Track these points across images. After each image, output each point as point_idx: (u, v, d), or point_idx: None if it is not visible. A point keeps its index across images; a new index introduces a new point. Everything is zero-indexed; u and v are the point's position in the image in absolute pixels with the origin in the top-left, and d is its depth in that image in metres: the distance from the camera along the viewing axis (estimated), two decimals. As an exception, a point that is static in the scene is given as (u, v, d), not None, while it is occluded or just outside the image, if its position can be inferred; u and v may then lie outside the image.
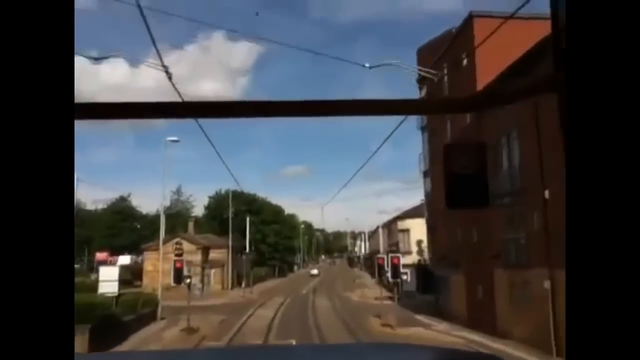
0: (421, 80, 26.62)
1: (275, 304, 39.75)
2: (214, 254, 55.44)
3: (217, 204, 76.60)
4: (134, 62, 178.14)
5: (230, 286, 55.48)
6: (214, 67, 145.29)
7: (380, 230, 66.87)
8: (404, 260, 44.33)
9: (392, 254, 32.27)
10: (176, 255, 56.07)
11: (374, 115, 1.44)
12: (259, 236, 77.99)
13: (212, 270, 54.11)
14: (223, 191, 78.89)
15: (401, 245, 43.60)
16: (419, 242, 42.09)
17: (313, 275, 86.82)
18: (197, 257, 53.27)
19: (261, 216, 79.30)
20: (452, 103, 1.52)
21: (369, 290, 51.16)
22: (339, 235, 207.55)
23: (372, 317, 29.63)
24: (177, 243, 52.99)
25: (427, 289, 38.31)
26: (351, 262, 50.88)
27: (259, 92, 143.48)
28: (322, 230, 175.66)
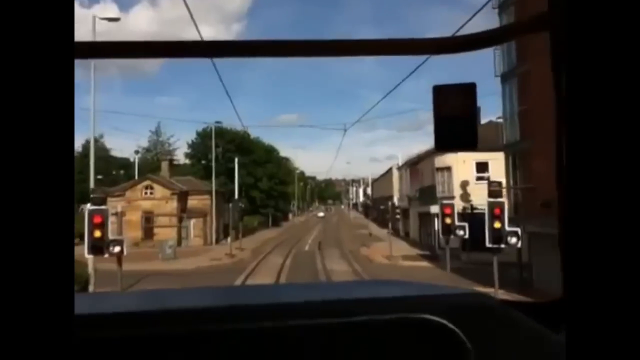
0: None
1: (273, 267, 29.40)
2: (194, 201, 44.65)
3: (203, 142, 65.23)
4: (123, 5, 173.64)
5: (214, 240, 44.97)
6: (208, 11, 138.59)
7: (396, 171, 56.20)
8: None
9: (445, 201, 21.43)
10: (145, 200, 45.44)
11: (363, 55, 1.39)
12: (249, 180, 67.22)
13: (192, 221, 43.46)
14: (210, 129, 67.52)
15: (439, 188, 33.02)
16: (464, 185, 31.51)
17: (320, 217, 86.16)
18: (173, 205, 42.46)
19: (252, 156, 68.21)
20: (442, 43, 1.37)
21: (387, 245, 40.98)
22: (330, 183, 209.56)
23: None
24: (146, 187, 41.92)
25: (476, 246, 27.33)
26: (366, 209, 41.04)
27: (253, 37, 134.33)
28: (313, 178, 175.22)
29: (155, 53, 1.37)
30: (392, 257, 31.42)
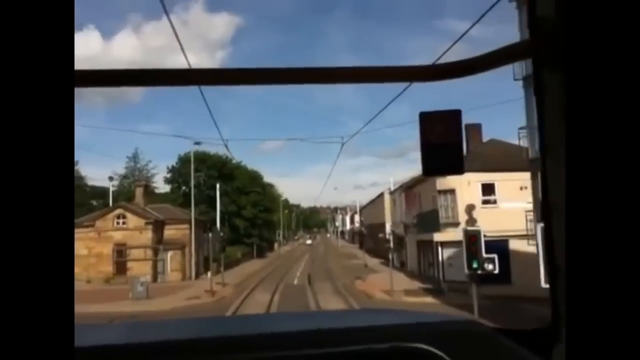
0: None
1: (259, 305, 25.76)
2: (172, 231, 40.84)
3: (183, 168, 61.55)
4: (107, 34, 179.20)
5: (194, 275, 41.05)
6: (192, 39, 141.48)
7: (387, 197, 53.04)
8: (445, 236, 30.71)
9: (470, 228, 18.12)
10: (117, 231, 41.37)
11: (346, 82, 1.44)
12: (232, 208, 63.56)
13: (169, 253, 39.57)
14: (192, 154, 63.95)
15: (442, 213, 29.81)
16: (470, 209, 28.39)
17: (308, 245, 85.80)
18: (147, 235, 38.63)
19: (235, 183, 64.66)
20: (424, 71, 1.41)
21: (384, 277, 37.50)
22: (315, 211, 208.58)
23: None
24: (118, 216, 38.10)
25: (488, 278, 24.01)
26: (360, 237, 37.58)
27: (238, 65, 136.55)
28: (297, 206, 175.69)
29: (141, 81, 1.38)
30: (392, 292, 27.95)
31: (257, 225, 68.49)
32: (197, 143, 42.63)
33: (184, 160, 60.09)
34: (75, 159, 69.67)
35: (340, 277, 39.37)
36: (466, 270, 16.43)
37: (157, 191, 70.89)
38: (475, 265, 15.74)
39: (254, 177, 70.46)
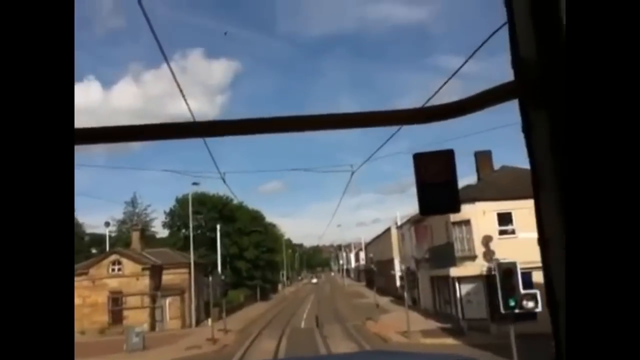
0: None
1: (265, 353, 23.60)
2: (170, 276, 38.79)
3: (182, 210, 59.74)
4: (107, 83, 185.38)
5: (194, 322, 38.75)
6: (191, 85, 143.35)
7: (395, 231, 51.09)
8: (463, 270, 28.70)
9: (505, 261, 16.03)
10: (112, 278, 39.13)
11: (341, 128, 1.50)
12: (234, 250, 61.48)
13: (168, 300, 37.42)
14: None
15: (458, 246, 27.88)
16: (487, 240, 26.52)
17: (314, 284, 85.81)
18: (144, 282, 36.58)
19: (236, 224, 62.75)
20: (415, 114, 1.48)
21: (397, 317, 35.28)
22: (317, 250, 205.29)
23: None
24: (113, 262, 36.15)
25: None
26: (369, 275, 34.71)
27: (238, 108, 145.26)
28: (300, 245, 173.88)
29: (141, 136, 1.41)
30: (409, 333, 25.78)
31: (259, 266, 66.24)
32: (195, 183, 40.84)
33: (182, 202, 58.18)
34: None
35: (349, 317, 37.09)
36: (502, 310, 14.33)
37: (157, 236, 69.04)
38: (512, 303, 13.71)
39: (256, 217, 68.55)
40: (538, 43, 1.15)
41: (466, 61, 6.59)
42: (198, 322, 38.36)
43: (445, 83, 7.23)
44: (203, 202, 60.69)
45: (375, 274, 52.54)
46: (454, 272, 27.67)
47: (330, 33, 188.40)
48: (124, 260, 36.36)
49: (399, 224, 49.29)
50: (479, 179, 31.12)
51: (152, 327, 36.21)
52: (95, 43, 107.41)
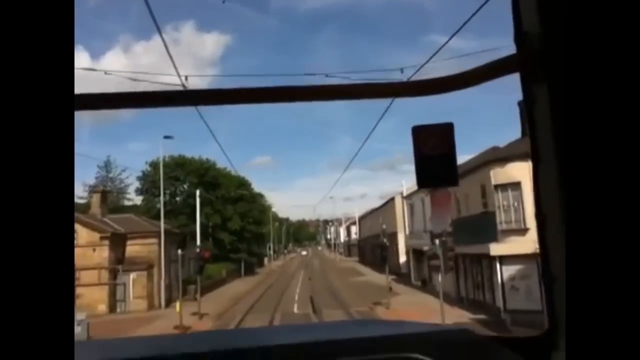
0: None
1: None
2: (136, 247, 32.19)
3: (157, 175, 52.86)
4: (96, 54, 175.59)
5: (163, 302, 32.34)
6: (182, 57, 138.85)
7: (400, 201, 44.83)
8: (507, 248, 22.54)
9: None
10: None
11: (333, 99, 1.48)
12: (217, 220, 54.98)
13: (131, 276, 30.89)
14: (168, 159, 55.25)
15: (501, 217, 21.61)
16: (542, 209, 20.35)
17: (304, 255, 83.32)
18: (103, 254, 29.98)
19: (220, 191, 56.12)
20: (410, 87, 1.48)
21: (413, 300, 29.24)
22: (304, 224, 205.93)
23: None
24: (64, 229, 29.15)
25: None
26: (384, 253, 29.70)
27: (228, 84, 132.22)
28: (286, 219, 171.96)
29: (135, 103, 1.41)
30: (433, 321, 19.56)
31: (245, 238, 59.91)
32: (167, 137, 34.06)
33: (156, 165, 50.90)
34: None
35: (351, 301, 30.96)
36: None
37: (130, 204, 62.25)
38: None
39: (242, 184, 61.83)
40: (541, 15, 1.14)
41: (457, 32, 7.41)
42: (169, 303, 31.99)
43: (436, 53, 8.53)
44: (181, 164, 53.94)
45: (366, 250, 46.28)
46: (496, 249, 21.46)
47: (323, 8, 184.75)
48: (78, 227, 29.63)
49: (404, 194, 43.08)
50: (523, 134, 24.74)
51: (112, 309, 29.85)
52: (85, 13, 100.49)
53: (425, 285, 36.32)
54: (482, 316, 22.40)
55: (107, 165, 68.80)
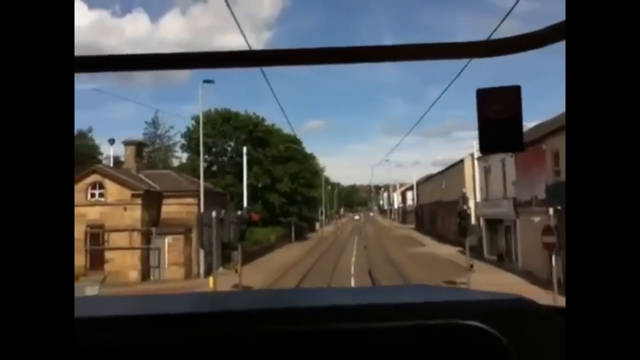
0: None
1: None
2: (173, 208, 28.60)
3: (205, 129, 49.20)
4: (154, 15, 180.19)
5: (202, 270, 28.77)
6: (238, 19, 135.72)
7: (471, 164, 39.43)
8: None
9: None
10: (92, 206, 28.89)
11: (394, 60, 1.45)
12: (266, 180, 51.23)
13: (167, 239, 27.36)
14: (215, 114, 51.53)
15: None
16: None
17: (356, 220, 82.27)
18: (135, 214, 26.48)
19: (270, 150, 52.17)
20: (477, 47, 1.41)
21: (493, 281, 24.35)
22: (355, 189, 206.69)
23: None
24: (92, 185, 26.01)
25: None
26: (464, 223, 25.70)
27: (283, 45, 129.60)
28: (338, 184, 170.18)
29: (186, 64, 1.43)
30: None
31: (296, 201, 56.10)
32: (207, 81, 29.76)
33: (199, 121, 47.11)
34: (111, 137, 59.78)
35: (418, 279, 26.37)
36: None
37: (177, 163, 59.54)
38: None
39: (293, 141, 57.59)
40: None
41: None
42: (209, 272, 28.38)
43: (508, 13, 7.07)
44: (227, 119, 50.12)
45: (425, 218, 41.22)
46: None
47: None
48: (108, 183, 26.20)
49: (476, 155, 37.60)
50: None
51: (145, 276, 26.53)
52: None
53: (502, 261, 31.24)
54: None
55: (154, 122, 66.38)
